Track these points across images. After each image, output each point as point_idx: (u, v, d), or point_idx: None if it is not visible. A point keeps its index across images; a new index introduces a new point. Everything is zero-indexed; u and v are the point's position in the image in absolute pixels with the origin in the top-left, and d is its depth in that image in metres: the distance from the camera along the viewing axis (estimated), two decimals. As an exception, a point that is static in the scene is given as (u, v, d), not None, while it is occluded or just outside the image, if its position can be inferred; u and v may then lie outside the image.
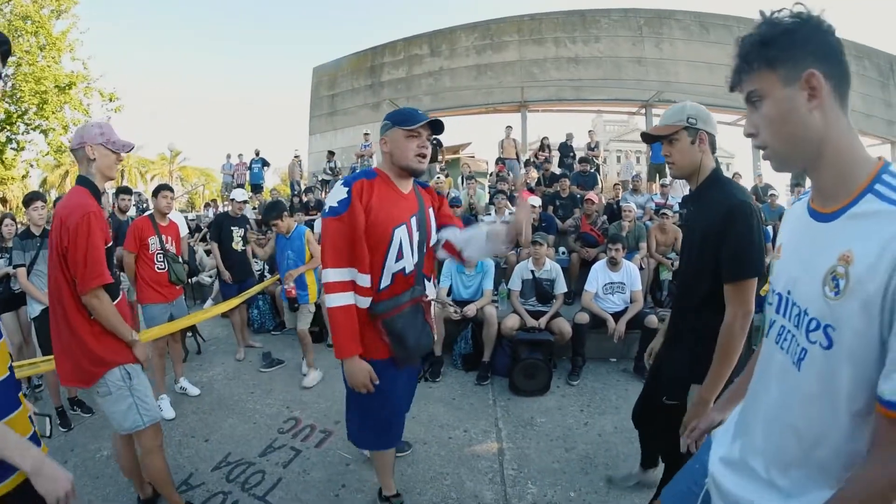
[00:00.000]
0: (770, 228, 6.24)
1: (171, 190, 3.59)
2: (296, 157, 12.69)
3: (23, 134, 12.82)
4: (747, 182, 10.80)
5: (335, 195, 1.74)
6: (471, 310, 3.93)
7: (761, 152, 0.86)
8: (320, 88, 15.79)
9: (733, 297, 1.54)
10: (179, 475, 2.67)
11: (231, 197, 4.98)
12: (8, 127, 12.29)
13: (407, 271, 1.81)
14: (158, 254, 3.38)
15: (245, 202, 5.11)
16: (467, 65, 13.65)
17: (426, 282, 1.92)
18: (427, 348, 1.94)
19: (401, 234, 1.77)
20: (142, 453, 2.13)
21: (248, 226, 4.85)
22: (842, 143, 0.78)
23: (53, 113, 12.38)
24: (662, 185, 7.84)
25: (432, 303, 2.01)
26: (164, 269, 3.41)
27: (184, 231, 4.11)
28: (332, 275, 1.73)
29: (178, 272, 3.41)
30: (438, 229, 1.96)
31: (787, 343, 0.86)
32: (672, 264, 5.08)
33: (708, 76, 12.58)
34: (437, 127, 1.82)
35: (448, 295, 4.20)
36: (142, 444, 2.07)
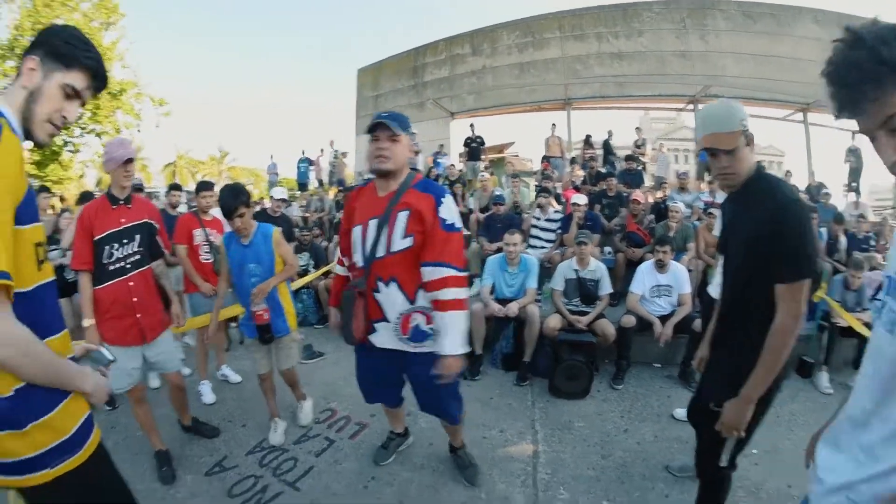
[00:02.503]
0: (824, 230, 5.78)
1: (211, 189, 3.71)
2: (342, 154, 12.94)
3: (78, 137, 13.94)
4: (801, 181, 10.13)
5: None
6: (513, 308, 3.83)
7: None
8: (364, 89, 16.04)
9: (786, 298, 1.42)
10: (215, 456, 2.77)
11: (271, 194, 5.10)
12: (64, 131, 13.39)
13: (358, 265, 2.05)
14: (204, 245, 3.55)
15: (284, 200, 5.24)
16: (509, 63, 13.47)
17: (379, 282, 1.99)
18: (349, 340, 2.13)
19: (357, 232, 2.03)
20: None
21: (289, 225, 4.93)
22: None
23: (107, 117, 13.44)
24: (710, 183, 7.44)
25: (385, 307, 2.03)
26: (209, 259, 3.57)
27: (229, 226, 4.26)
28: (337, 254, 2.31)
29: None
30: (426, 260, 1.93)
31: None
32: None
33: (755, 68, 11.80)
34: (375, 127, 1.93)
35: (491, 293, 4.12)
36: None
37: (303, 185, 12.54)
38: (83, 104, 1.14)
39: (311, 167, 12.98)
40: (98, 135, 13.81)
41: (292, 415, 3.14)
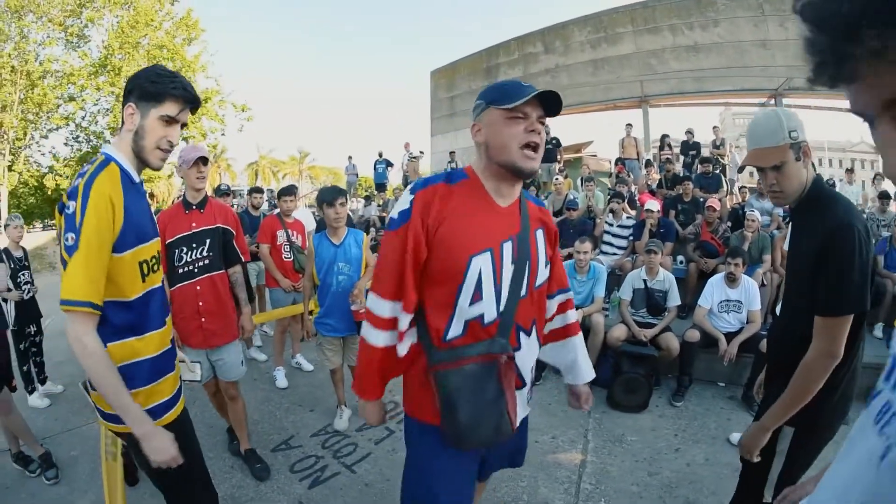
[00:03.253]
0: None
1: (293, 194, 4.13)
2: (413, 157, 13.31)
3: None
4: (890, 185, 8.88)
5: (400, 203, 1.28)
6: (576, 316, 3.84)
7: None
8: (439, 91, 16.32)
9: (821, 332, 1.31)
10: (282, 435, 3.11)
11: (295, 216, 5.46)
12: None
13: (486, 320, 1.25)
14: (285, 245, 3.94)
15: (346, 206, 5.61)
16: (583, 60, 13.10)
17: (524, 336, 1.34)
18: (493, 439, 1.27)
19: (481, 264, 1.22)
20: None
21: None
22: None
23: (193, 123, 14.95)
24: None
25: (523, 369, 1.38)
26: (290, 258, 3.97)
27: (310, 226, 4.67)
28: (373, 304, 1.30)
29: (302, 262, 3.86)
30: (555, 290, 1.53)
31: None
32: None
33: None
34: (550, 104, 1.24)
35: None
36: None
37: (380, 186, 12.99)
38: (184, 125, 1.37)
39: (389, 168, 13.47)
40: (185, 139, 15.49)
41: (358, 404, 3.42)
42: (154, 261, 1.34)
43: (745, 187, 7.51)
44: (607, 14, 12.95)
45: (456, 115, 15.55)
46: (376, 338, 1.29)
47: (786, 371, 1.44)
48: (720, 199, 6.28)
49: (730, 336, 3.66)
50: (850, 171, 8.18)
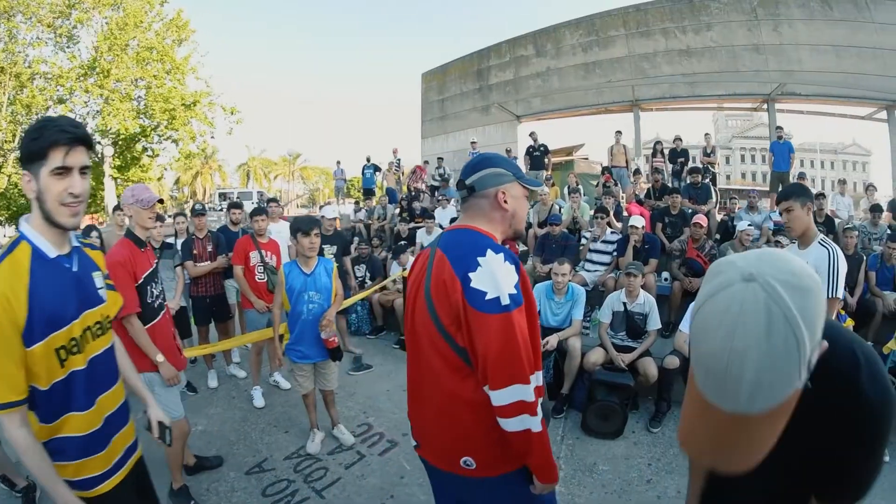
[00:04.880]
0: None
1: (265, 213, 4.12)
2: (390, 163, 13.21)
3: (157, 143, 15.70)
4: (884, 190, 8.94)
5: (506, 277, 1.20)
6: (552, 342, 3.81)
7: None
8: (429, 93, 16.35)
9: None
10: (256, 458, 3.13)
11: (321, 214, 5.39)
12: (143, 138, 15.16)
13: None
14: (259, 266, 3.95)
15: (336, 218, 5.58)
16: (574, 64, 13.11)
17: None
18: None
19: None
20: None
21: (345, 243, 5.25)
22: None
23: (183, 125, 14.95)
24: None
25: None
26: (263, 279, 3.98)
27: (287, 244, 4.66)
28: (522, 393, 1.18)
29: (276, 282, 3.84)
30: None
31: None
32: None
33: (835, 62, 10.38)
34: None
35: None
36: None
37: (367, 192, 12.96)
38: (84, 170, 1.23)
39: (377, 173, 13.46)
40: (174, 141, 15.49)
41: (329, 427, 3.41)
42: (74, 343, 1.26)
43: (734, 198, 7.46)
44: (599, 17, 12.95)
45: (446, 117, 15.60)
46: (538, 423, 1.22)
47: None
48: (708, 213, 6.27)
49: (711, 360, 3.62)
50: (842, 182, 8.16)
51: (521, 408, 1.19)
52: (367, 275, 6.21)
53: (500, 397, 1.19)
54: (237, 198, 15.76)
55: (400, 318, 5.44)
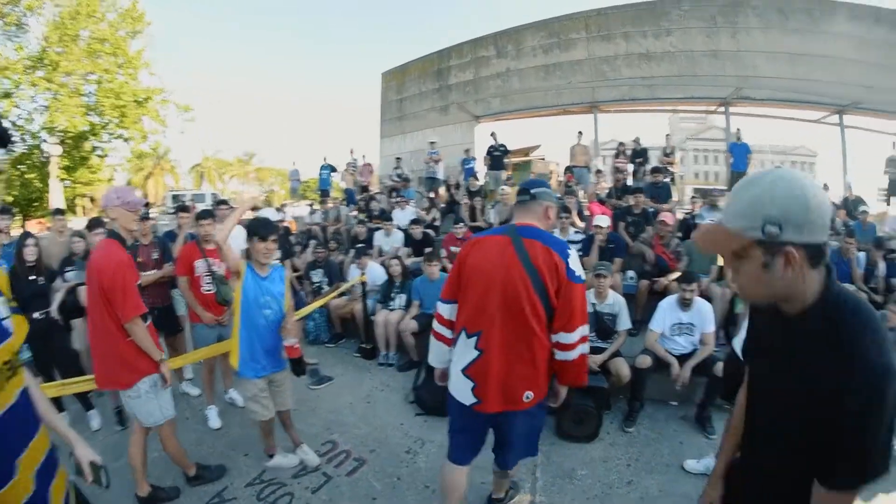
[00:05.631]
0: (863, 255, 5.43)
1: (212, 217, 3.77)
2: (348, 163, 12.97)
3: (106, 142, 14.76)
4: (835, 188, 9.52)
5: (579, 263, 1.95)
6: None
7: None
8: (389, 93, 16.11)
9: None
10: (216, 486, 2.85)
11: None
12: (93, 136, 14.21)
13: None
14: (206, 276, 3.61)
15: (280, 221, 5.33)
16: (535, 65, 13.24)
17: None
18: None
19: None
20: (162, 440, 2.67)
21: (289, 244, 5.00)
22: None
23: (134, 123, 14.14)
24: None
25: None
26: (210, 290, 3.63)
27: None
28: (582, 332, 1.93)
29: (225, 293, 3.57)
30: None
31: None
32: None
33: (789, 68, 11.11)
34: None
35: None
36: (161, 434, 2.64)
37: (324, 193, 12.71)
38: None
39: (334, 174, 13.14)
40: (125, 139, 14.58)
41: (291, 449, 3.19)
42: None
43: (696, 197, 7.68)
44: (561, 20, 13.13)
45: (405, 117, 15.40)
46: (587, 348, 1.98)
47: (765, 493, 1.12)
48: (671, 210, 6.40)
49: (682, 358, 3.66)
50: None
51: (583, 339, 1.93)
52: (325, 280, 5.98)
53: (574, 336, 1.89)
54: (191, 200, 14.99)
55: (360, 325, 5.24)
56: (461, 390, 1.98)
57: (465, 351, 1.96)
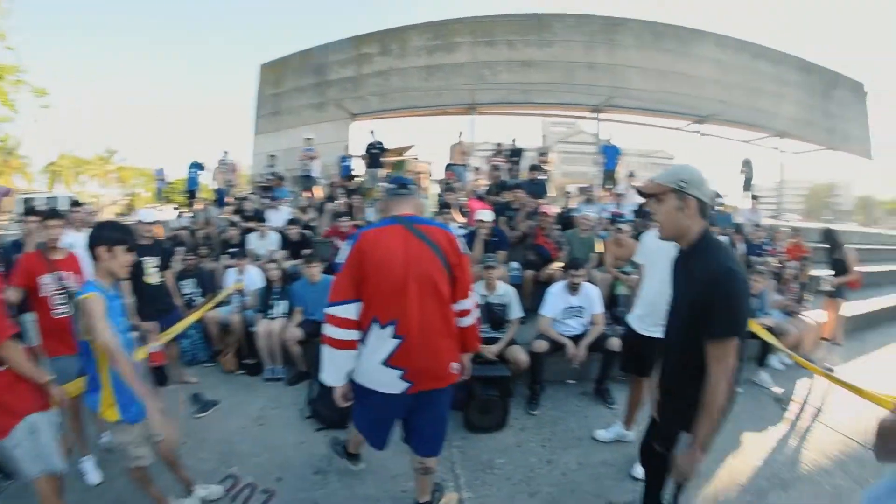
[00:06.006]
0: (726, 238, 6.26)
1: (61, 218, 3.00)
2: (220, 160, 11.91)
3: None
4: None
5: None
6: None
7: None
8: (266, 87, 15.08)
9: (716, 355, 1.58)
10: None
11: (138, 218, 4.34)
12: None
13: None
14: (57, 295, 2.79)
15: (155, 223, 4.62)
16: (417, 65, 13.38)
17: None
18: None
19: None
20: (40, 500, 2.09)
21: (166, 253, 4.33)
22: None
23: None
24: (617, 195, 7.90)
25: None
26: (65, 314, 2.77)
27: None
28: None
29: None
30: None
31: None
32: (630, 279, 5.03)
33: (659, 82, 12.96)
34: None
35: None
36: (38, 490, 2.08)
37: (192, 194, 11.46)
38: None
39: (202, 172, 11.87)
40: None
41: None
42: None
43: (570, 192, 8.32)
44: (448, 23, 13.43)
45: (281, 113, 14.52)
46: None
47: (676, 390, 1.80)
48: (549, 204, 6.84)
49: (574, 339, 3.88)
50: (631, 175, 9.69)
51: (475, 305, 2.23)
52: (197, 290, 5.31)
53: (470, 301, 2.16)
54: (45, 204, 12.18)
55: (240, 338, 4.69)
56: (386, 382, 2.01)
57: (381, 343, 1.97)
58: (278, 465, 2.98)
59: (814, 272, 5.84)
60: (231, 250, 5.86)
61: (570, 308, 4.01)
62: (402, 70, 13.42)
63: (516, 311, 4.00)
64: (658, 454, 1.91)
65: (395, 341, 1.95)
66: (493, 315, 3.96)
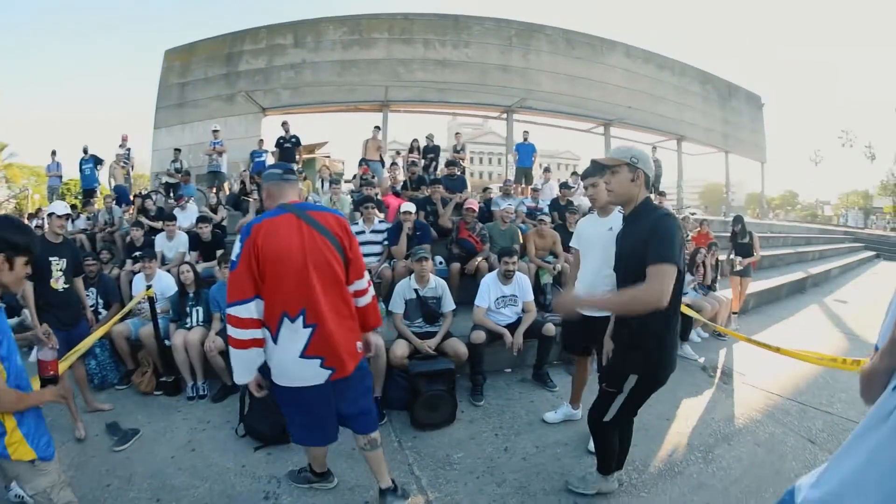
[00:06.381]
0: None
1: None
2: (118, 154, 10.50)
3: None
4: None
5: None
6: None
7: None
8: (170, 75, 13.32)
9: (652, 276, 1.77)
10: None
11: (49, 211, 3.62)
12: None
13: None
14: None
15: (68, 217, 3.91)
16: (332, 59, 12.70)
17: None
18: None
19: None
20: None
21: (76, 255, 3.64)
22: None
23: None
24: (534, 190, 8.07)
25: None
26: None
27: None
28: None
29: None
30: None
31: None
32: (553, 268, 5.17)
33: (569, 87, 13.53)
34: None
35: None
36: None
37: (89, 193, 9.94)
38: None
39: (99, 167, 10.29)
40: None
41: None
42: None
43: (489, 188, 8.41)
44: (367, 18, 12.91)
45: (185, 105, 13.01)
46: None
47: (624, 332, 2.05)
48: (472, 198, 6.82)
49: (509, 328, 3.87)
50: (547, 170, 10.12)
51: (370, 283, 2.22)
52: (100, 302, 4.59)
53: (364, 281, 2.17)
54: None
55: (154, 353, 4.05)
56: (308, 375, 1.97)
57: (295, 336, 1.92)
58: (221, 494, 2.57)
59: (720, 256, 6.50)
60: (137, 254, 5.18)
61: (504, 297, 3.98)
62: (315, 63, 12.69)
63: (449, 304, 3.85)
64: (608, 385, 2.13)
65: (308, 331, 1.92)
66: (427, 309, 3.81)
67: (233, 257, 1.90)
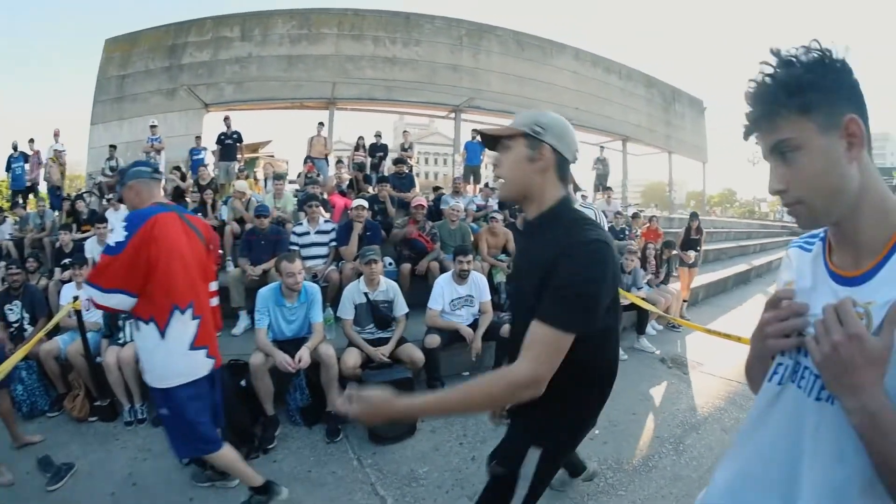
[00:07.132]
0: None
1: None
2: (51, 157, 9.24)
3: None
4: None
5: None
6: (305, 358, 2.89)
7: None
8: (109, 67, 11.61)
9: (533, 344, 1.01)
10: None
11: None
12: None
13: None
14: None
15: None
16: (278, 54, 11.61)
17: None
18: None
19: None
20: None
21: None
22: (879, 190, 0.66)
23: None
24: (486, 187, 7.79)
25: None
26: None
27: None
28: None
29: None
30: None
31: None
32: (507, 266, 4.90)
33: (518, 88, 13.14)
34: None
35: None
36: None
37: (18, 193, 8.73)
38: None
39: (27, 165, 8.97)
40: None
41: None
42: None
43: (440, 187, 8.12)
44: (316, 12, 11.85)
45: (124, 99, 11.46)
46: None
47: (534, 410, 1.12)
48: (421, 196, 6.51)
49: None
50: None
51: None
52: (25, 317, 3.90)
53: (215, 284, 2.20)
54: None
55: (86, 374, 3.38)
56: (197, 365, 1.92)
57: (184, 328, 1.87)
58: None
59: (670, 251, 6.59)
60: (66, 261, 4.51)
61: (460, 298, 3.70)
62: (261, 58, 11.58)
63: (402, 308, 3.46)
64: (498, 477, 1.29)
65: (195, 322, 1.91)
66: (379, 313, 3.39)
67: (113, 242, 1.74)
